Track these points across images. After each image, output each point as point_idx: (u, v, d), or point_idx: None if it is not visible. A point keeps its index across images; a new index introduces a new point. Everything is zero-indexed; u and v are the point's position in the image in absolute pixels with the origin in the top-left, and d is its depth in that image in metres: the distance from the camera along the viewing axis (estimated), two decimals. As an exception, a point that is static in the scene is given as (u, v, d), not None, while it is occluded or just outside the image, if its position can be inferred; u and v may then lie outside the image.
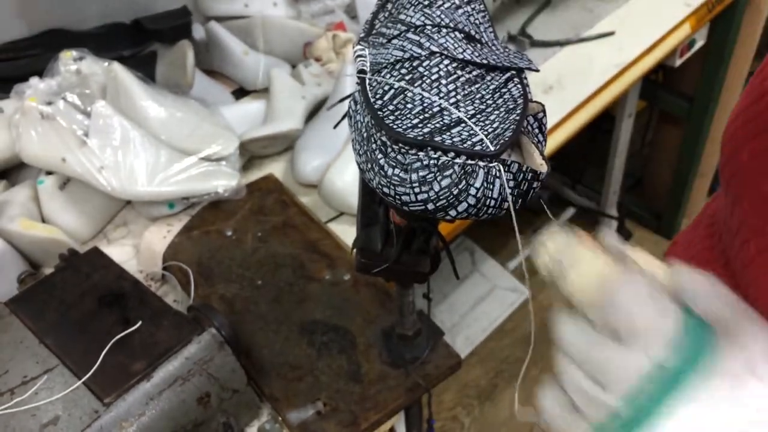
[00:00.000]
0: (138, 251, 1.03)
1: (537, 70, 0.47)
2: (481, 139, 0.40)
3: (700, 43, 1.70)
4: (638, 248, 0.40)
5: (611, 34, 1.48)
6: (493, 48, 0.49)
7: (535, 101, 0.45)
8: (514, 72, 0.46)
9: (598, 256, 0.39)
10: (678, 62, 1.65)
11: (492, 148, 0.40)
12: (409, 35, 0.47)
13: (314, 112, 1.24)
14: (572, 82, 1.38)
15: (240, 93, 1.34)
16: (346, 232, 1.04)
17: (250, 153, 1.17)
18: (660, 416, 0.35)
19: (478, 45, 0.48)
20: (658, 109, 2.10)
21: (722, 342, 0.36)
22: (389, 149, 0.41)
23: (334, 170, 1.07)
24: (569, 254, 0.40)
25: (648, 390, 0.35)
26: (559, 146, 1.31)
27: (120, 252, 1.03)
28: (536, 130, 0.44)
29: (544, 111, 0.44)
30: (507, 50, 0.48)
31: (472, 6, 0.51)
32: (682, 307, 0.38)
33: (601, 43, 1.47)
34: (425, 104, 0.43)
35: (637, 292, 0.37)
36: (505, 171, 0.40)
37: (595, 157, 2.15)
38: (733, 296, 0.38)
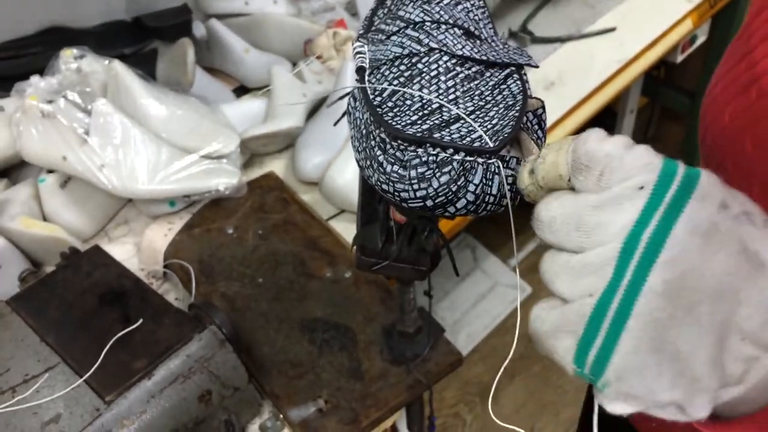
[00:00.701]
0: (139, 249, 1.03)
1: (536, 66, 0.46)
2: (480, 136, 0.40)
3: (701, 39, 1.70)
4: None
5: (612, 30, 1.48)
6: (493, 44, 0.49)
7: (535, 97, 0.45)
8: (513, 68, 0.46)
9: (569, 137, 0.36)
10: (680, 58, 1.64)
11: (491, 145, 0.40)
12: (408, 32, 0.47)
13: (315, 109, 1.24)
14: (573, 78, 1.38)
15: (241, 91, 1.34)
16: (347, 230, 1.04)
17: (251, 151, 1.17)
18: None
19: (478, 41, 0.48)
20: (659, 106, 2.09)
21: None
22: (388, 146, 0.41)
23: (334, 168, 1.07)
24: (547, 147, 0.37)
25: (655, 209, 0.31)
26: (561, 143, 1.31)
27: (121, 250, 1.03)
28: (536, 126, 0.44)
29: (543, 107, 0.44)
30: (506, 46, 0.48)
31: (472, 2, 0.51)
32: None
33: (603, 39, 1.47)
34: (424, 101, 0.43)
35: (606, 138, 0.34)
36: (504, 167, 0.40)
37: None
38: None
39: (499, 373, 0.45)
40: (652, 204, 0.31)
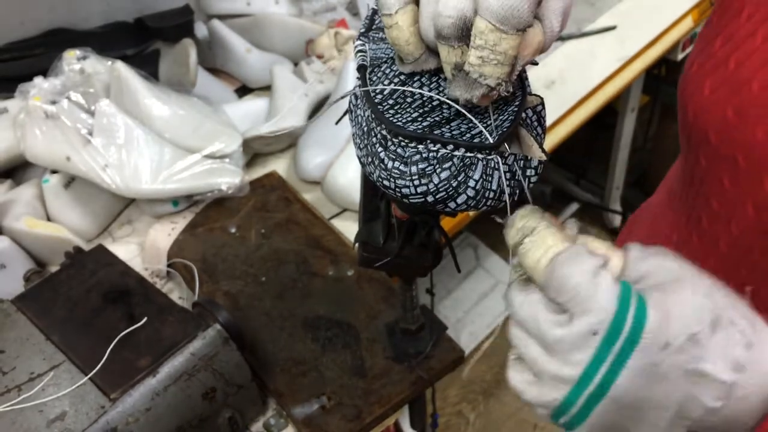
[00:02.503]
0: (143, 249, 1.04)
1: (536, 63, 0.47)
2: (480, 132, 0.41)
3: (702, 37, 1.69)
4: (594, 238, 0.42)
5: (613, 28, 1.48)
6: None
7: (534, 94, 0.45)
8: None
9: (556, 238, 0.40)
10: (680, 56, 1.64)
11: (491, 140, 0.40)
12: (409, 30, 0.48)
13: (317, 109, 1.24)
14: (574, 76, 1.38)
15: (243, 91, 1.35)
16: (349, 229, 1.05)
17: (254, 150, 1.18)
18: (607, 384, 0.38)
19: (478, 39, 0.49)
20: (660, 104, 2.09)
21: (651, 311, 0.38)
22: (389, 142, 0.42)
23: (336, 167, 1.08)
24: (534, 234, 0.41)
25: (594, 358, 0.38)
26: (562, 141, 1.31)
27: (125, 250, 1.03)
28: (535, 123, 0.44)
29: (542, 104, 0.45)
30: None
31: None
32: (622, 281, 0.39)
33: (603, 38, 1.47)
34: (424, 98, 0.43)
35: (578, 265, 0.39)
36: (503, 163, 0.40)
37: (598, 152, 2.15)
38: (675, 261, 0.40)
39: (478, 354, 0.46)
40: (601, 353, 0.37)
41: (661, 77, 1.95)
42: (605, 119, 1.94)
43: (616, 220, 2.19)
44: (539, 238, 0.40)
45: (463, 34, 0.38)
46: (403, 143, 0.41)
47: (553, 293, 0.39)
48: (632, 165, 2.11)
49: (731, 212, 0.54)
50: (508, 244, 0.42)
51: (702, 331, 0.37)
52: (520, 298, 0.41)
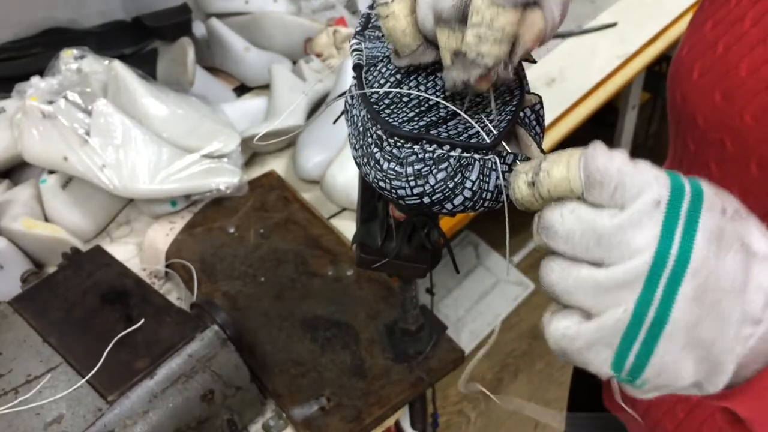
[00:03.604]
0: (141, 249, 1.03)
1: (534, 62, 0.46)
2: (477, 132, 0.40)
3: (703, 34, 1.69)
4: None
5: (613, 25, 1.48)
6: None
7: (533, 93, 0.45)
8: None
9: (570, 150, 0.37)
10: (681, 53, 1.63)
11: (487, 141, 0.39)
12: (405, 28, 0.47)
13: (316, 108, 1.23)
14: (575, 74, 1.37)
15: (241, 90, 1.34)
16: (348, 228, 1.04)
17: (252, 150, 1.17)
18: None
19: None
20: (661, 101, 2.09)
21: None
22: (385, 143, 0.41)
23: (335, 166, 1.07)
24: (545, 160, 0.37)
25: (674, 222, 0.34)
26: (562, 139, 1.31)
27: (123, 250, 1.03)
28: (533, 122, 0.44)
29: (541, 103, 0.44)
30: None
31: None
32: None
33: (604, 35, 1.47)
34: (421, 97, 0.43)
35: (611, 154, 0.35)
36: (501, 163, 0.40)
37: (600, 150, 2.14)
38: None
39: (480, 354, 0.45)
40: (671, 220, 0.34)
41: (662, 74, 1.95)
42: (606, 117, 1.93)
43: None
44: (554, 156, 0.36)
45: (464, 15, 0.38)
46: (398, 144, 0.40)
47: (596, 189, 0.35)
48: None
49: None
50: (518, 195, 0.37)
51: (740, 209, 0.35)
52: (557, 211, 0.36)
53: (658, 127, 2.20)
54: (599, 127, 2.05)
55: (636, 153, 1.76)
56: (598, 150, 0.35)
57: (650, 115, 2.19)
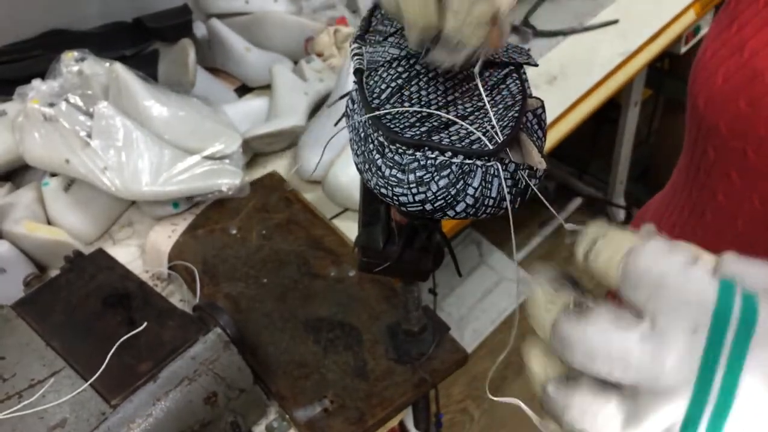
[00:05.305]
0: (143, 251, 1.03)
1: (536, 65, 0.46)
2: (479, 138, 0.40)
3: (705, 30, 1.68)
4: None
5: (615, 22, 1.47)
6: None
7: (534, 97, 0.45)
8: (512, 67, 0.45)
9: (633, 237, 0.32)
10: (683, 49, 1.63)
11: (490, 147, 0.39)
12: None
13: (317, 107, 1.23)
14: (576, 71, 1.37)
15: (242, 90, 1.34)
16: (351, 229, 1.04)
17: (254, 150, 1.17)
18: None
19: (476, 40, 0.48)
20: (664, 97, 2.08)
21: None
22: (386, 149, 0.41)
23: (338, 166, 1.07)
24: (606, 236, 0.32)
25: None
26: (565, 136, 1.30)
27: (125, 252, 1.03)
28: (535, 126, 0.44)
29: (542, 107, 0.44)
30: (505, 45, 0.48)
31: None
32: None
33: (605, 32, 1.46)
34: (422, 103, 0.42)
35: (663, 255, 0.30)
36: (503, 169, 0.40)
37: (602, 147, 2.14)
38: None
39: (498, 360, 0.45)
40: (711, 353, 0.28)
41: (664, 71, 1.94)
42: (608, 114, 1.93)
43: (620, 214, 2.18)
44: (612, 236, 0.32)
45: None
46: (400, 150, 0.40)
47: (629, 290, 0.30)
48: (636, 159, 2.10)
49: (737, 206, 0.52)
50: (578, 257, 0.33)
51: None
52: (580, 327, 0.30)
53: (660, 123, 2.19)
54: (601, 124, 2.04)
55: (638, 149, 1.75)
56: (652, 247, 0.30)
57: (652, 111, 2.19)
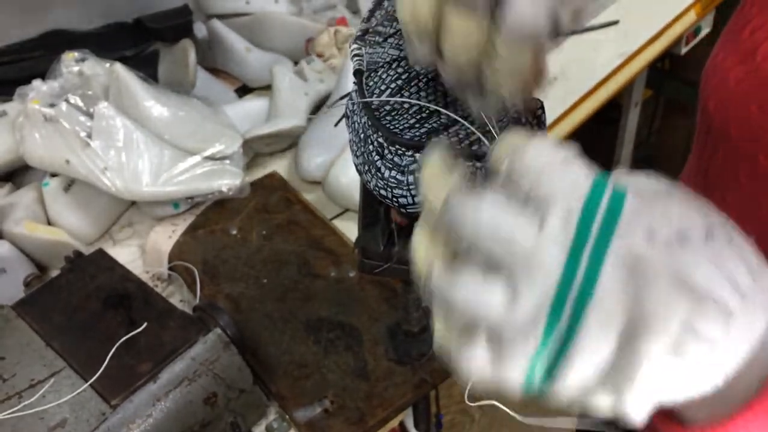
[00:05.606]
0: (144, 251, 1.03)
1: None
2: (478, 138, 0.40)
3: (706, 31, 1.68)
4: None
5: (616, 22, 1.46)
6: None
7: (533, 97, 0.45)
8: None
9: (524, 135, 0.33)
10: (684, 50, 1.63)
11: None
12: (406, 33, 0.47)
13: (317, 108, 1.23)
14: (577, 72, 1.37)
15: (243, 90, 1.34)
16: (351, 229, 1.04)
17: (254, 151, 1.17)
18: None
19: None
20: (664, 98, 2.08)
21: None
22: (386, 151, 0.41)
23: (338, 166, 1.07)
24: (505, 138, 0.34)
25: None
26: (565, 137, 1.30)
27: (126, 252, 1.03)
28: (535, 127, 0.44)
29: (542, 107, 0.44)
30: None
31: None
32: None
33: (606, 32, 1.46)
34: (422, 103, 0.42)
35: (547, 149, 0.32)
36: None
37: (603, 147, 2.14)
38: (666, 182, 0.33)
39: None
40: (577, 246, 0.30)
41: (665, 71, 1.94)
42: (609, 114, 1.92)
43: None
44: (507, 136, 0.33)
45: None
46: (399, 151, 0.40)
47: (517, 179, 0.32)
48: (636, 159, 2.10)
49: (746, 209, 0.52)
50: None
51: (693, 232, 0.30)
52: (473, 204, 0.31)
53: (661, 123, 2.19)
54: (602, 124, 2.04)
55: (639, 150, 1.75)
56: (539, 142, 0.32)
57: (653, 111, 2.18)
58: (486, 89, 0.37)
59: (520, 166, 0.32)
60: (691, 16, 1.51)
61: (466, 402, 0.39)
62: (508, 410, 0.40)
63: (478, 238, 0.31)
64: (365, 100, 0.43)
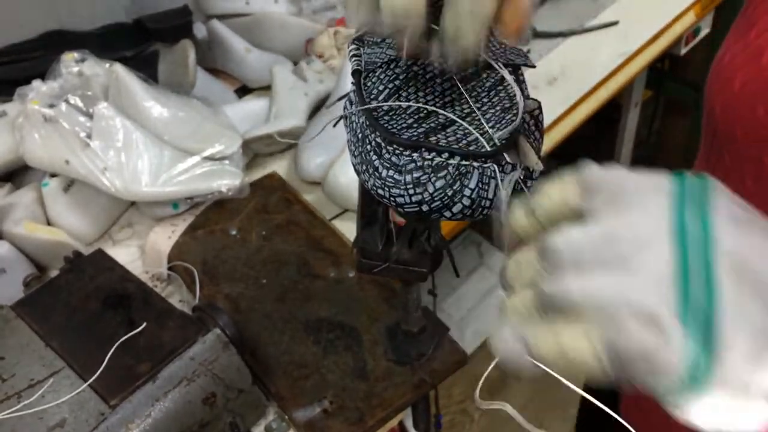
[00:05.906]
0: (143, 252, 1.04)
1: (533, 66, 0.46)
2: (476, 139, 0.40)
3: (705, 31, 1.68)
4: None
5: (615, 23, 1.47)
6: (490, 45, 0.48)
7: (532, 98, 0.45)
8: (510, 69, 0.45)
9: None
10: (683, 50, 1.63)
11: (487, 148, 0.39)
12: (404, 33, 0.47)
13: (317, 108, 1.23)
14: (577, 72, 1.37)
15: (242, 91, 1.34)
16: (351, 229, 1.04)
17: (254, 151, 1.17)
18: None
19: (475, 42, 0.48)
20: (664, 98, 2.08)
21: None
22: (383, 150, 0.41)
23: (338, 167, 1.07)
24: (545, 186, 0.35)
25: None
26: (565, 137, 1.30)
27: (125, 253, 1.03)
28: (533, 128, 0.44)
29: (540, 108, 0.44)
30: (503, 47, 0.48)
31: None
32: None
33: (606, 33, 1.46)
34: (419, 104, 0.42)
35: (617, 169, 0.33)
36: (500, 171, 0.40)
37: (603, 147, 2.14)
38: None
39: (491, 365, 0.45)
40: (679, 201, 0.30)
41: (665, 72, 1.94)
42: (609, 114, 1.93)
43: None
44: (548, 186, 0.35)
45: None
46: (397, 151, 0.40)
47: (594, 196, 0.33)
48: (636, 160, 2.10)
49: None
50: (518, 222, 0.36)
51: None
52: (562, 234, 0.32)
53: (660, 124, 2.19)
54: (602, 125, 2.04)
55: (639, 150, 1.76)
56: (591, 165, 0.34)
57: (653, 112, 2.19)
58: (445, 37, 0.37)
59: (591, 183, 0.33)
60: (691, 17, 1.51)
61: (477, 401, 0.38)
62: (521, 418, 0.39)
63: (580, 254, 0.32)
64: (363, 107, 0.43)
